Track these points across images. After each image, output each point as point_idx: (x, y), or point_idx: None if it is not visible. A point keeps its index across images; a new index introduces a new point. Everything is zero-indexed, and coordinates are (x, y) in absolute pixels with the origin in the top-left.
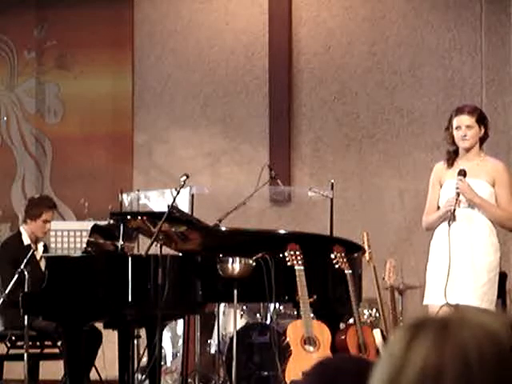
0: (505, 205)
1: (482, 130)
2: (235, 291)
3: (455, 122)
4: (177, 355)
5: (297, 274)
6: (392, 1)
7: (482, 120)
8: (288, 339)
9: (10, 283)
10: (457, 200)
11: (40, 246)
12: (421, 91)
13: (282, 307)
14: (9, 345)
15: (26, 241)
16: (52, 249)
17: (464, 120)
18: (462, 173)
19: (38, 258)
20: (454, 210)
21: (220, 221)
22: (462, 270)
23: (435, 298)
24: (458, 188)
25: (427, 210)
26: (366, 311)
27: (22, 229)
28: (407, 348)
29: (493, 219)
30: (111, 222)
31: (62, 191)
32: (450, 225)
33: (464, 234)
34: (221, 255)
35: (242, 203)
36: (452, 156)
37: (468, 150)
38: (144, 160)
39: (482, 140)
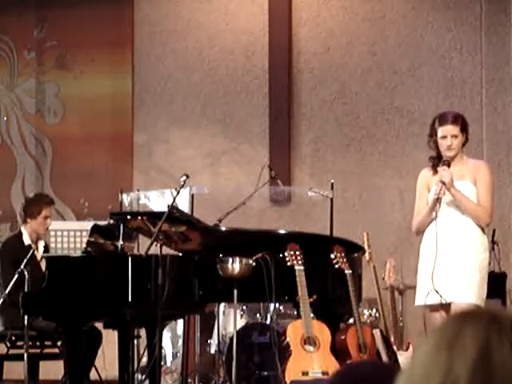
0: (481, 200)
1: (464, 136)
2: (235, 291)
3: (440, 131)
4: (177, 355)
5: (297, 274)
6: (392, 1)
7: (464, 127)
8: (288, 339)
9: (10, 283)
10: (441, 187)
11: (41, 246)
12: (421, 91)
13: (282, 307)
14: (9, 345)
15: (27, 241)
16: (52, 249)
17: (450, 130)
18: (446, 163)
19: (38, 258)
20: (441, 198)
21: (220, 221)
22: (454, 269)
23: (426, 299)
24: (441, 175)
25: (416, 214)
26: (366, 311)
27: (22, 229)
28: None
29: (468, 212)
30: (111, 221)
31: (62, 191)
32: (437, 216)
33: (452, 233)
34: (221, 255)
35: (241, 203)
36: (436, 162)
37: (452, 158)
38: (144, 160)
39: (463, 144)
